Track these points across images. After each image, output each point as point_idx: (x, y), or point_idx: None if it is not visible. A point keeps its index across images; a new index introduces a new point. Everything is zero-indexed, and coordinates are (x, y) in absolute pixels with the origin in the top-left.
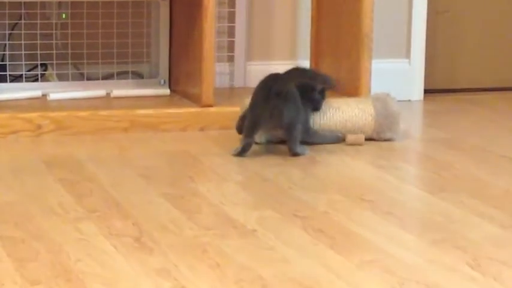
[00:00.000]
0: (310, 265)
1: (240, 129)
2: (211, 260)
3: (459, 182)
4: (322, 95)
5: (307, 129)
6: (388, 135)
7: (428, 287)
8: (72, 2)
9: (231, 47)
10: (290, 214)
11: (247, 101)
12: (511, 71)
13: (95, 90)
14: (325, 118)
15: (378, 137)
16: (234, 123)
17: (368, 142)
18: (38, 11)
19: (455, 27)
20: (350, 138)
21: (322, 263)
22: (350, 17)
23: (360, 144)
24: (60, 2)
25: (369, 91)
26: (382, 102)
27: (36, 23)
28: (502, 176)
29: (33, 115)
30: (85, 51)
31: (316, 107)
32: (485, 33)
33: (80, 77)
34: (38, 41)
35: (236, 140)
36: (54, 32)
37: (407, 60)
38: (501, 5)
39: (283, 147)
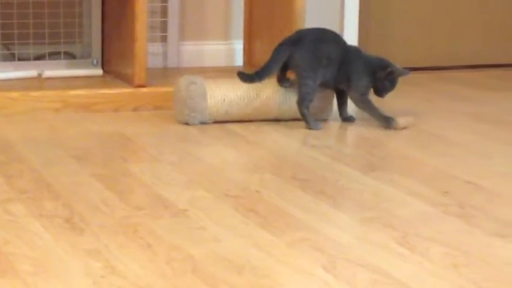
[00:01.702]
0: (241, 244)
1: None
2: (142, 240)
3: (391, 161)
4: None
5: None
6: (320, 116)
7: (357, 264)
8: None
9: (164, 27)
10: (222, 194)
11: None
12: (445, 50)
13: (26, 71)
14: (259, 101)
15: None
16: (167, 103)
17: (300, 122)
18: None
19: (388, 7)
20: (401, 122)
21: (253, 242)
22: None
23: (409, 126)
24: None
25: None
26: None
27: None
28: (433, 154)
29: None
30: (16, 31)
31: (381, 92)
32: (418, 13)
33: (11, 57)
34: None
35: (169, 121)
36: None
37: None
38: None
39: (218, 128)
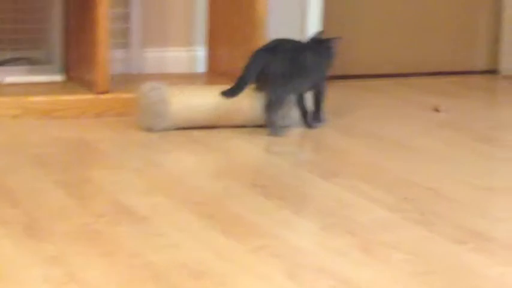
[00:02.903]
0: (202, 250)
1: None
2: (103, 247)
3: (351, 167)
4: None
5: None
6: (281, 124)
7: (318, 271)
8: None
9: (126, 33)
10: (183, 200)
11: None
12: (406, 57)
13: None
14: (221, 109)
15: None
16: (129, 110)
17: (262, 128)
18: None
19: (350, 14)
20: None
21: (213, 249)
22: (245, 2)
23: None
24: None
25: None
26: None
27: None
28: (393, 160)
29: None
30: None
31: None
32: (380, 19)
33: None
34: None
35: (132, 127)
36: None
37: None
38: None
39: (181, 134)
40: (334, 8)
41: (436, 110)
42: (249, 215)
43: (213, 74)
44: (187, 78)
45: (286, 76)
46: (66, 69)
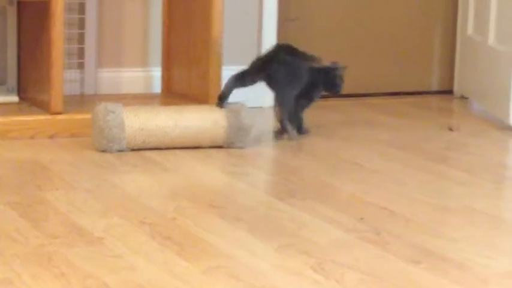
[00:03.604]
0: (157, 272)
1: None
2: (57, 268)
3: (308, 187)
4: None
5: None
6: (238, 145)
7: None
8: None
9: (81, 53)
10: (138, 221)
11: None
12: (361, 77)
13: None
14: (177, 131)
15: (228, 146)
16: (84, 130)
17: (218, 149)
18: None
19: (304, 35)
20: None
21: (168, 270)
22: (200, 23)
23: None
24: None
25: None
26: (235, 115)
27: None
28: (349, 180)
29: None
30: None
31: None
32: (333, 40)
33: None
34: None
35: (86, 148)
36: None
37: None
38: (348, 12)
39: (136, 155)
40: (289, 30)
41: (450, 129)
42: (204, 235)
43: (168, 95)
44: (143, 99)
45: (287, 82)
46: (21, 90)
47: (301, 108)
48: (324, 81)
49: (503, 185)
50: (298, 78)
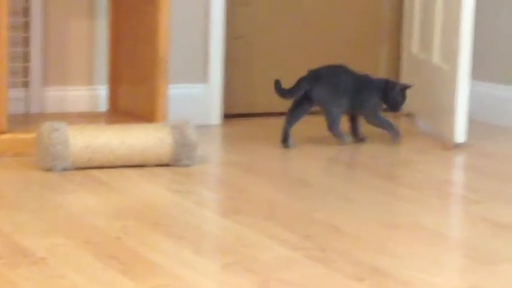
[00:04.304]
0: None
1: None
2: None
3: (253, 205)
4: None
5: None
6: (184, 162)
7: None
8: None
9: (26, 72)
10: (82, 241)
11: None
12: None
13: None
14: (123, 148)
15: (174, 164)
16: (28, 150)
17: (164, 167)
18: None
19: (250, 52)
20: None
21: None
22: (146, 41)
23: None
24: None
25: (166, 116)
26: (180, 131)
27: None
28: (295, 198)
29: None
30: None
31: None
32: (279, 58)
33: None
34: None
35: (30, 167)
36: None
37: (205, 85)
38: (295, 30)
39: (81, 174)
40: (235, 48)
41: None
42: (149, 254)
43: (114, 113)
44: (89, 117)
45: (331, 97)
46: None
47: (357, 117)
48: (384, 96)
49: (448, 202)
50: (340, 91)
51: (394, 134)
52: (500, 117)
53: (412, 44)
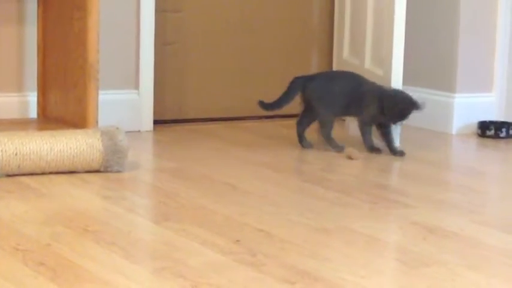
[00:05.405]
0: None
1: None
2: None
3: (183, 211)
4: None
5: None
6: (115, 168)
7: None
8: None
9: None
10: (11, 248)
11: None
12: (234, 101)
13: None
14: (52, 154)
15: (105, 170)
16: None
17: (95, 173)
18: None
19: (182, 59)
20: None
21: None
22: (76, 48)
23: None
24: None
25: (96, 122)
26: (111, 137)
27: None
28: (225, 203)
29: None
30: None
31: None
32: (209, 64)
33: None
34: None
35: None
36: None
37: (136, 91)
38: (225, 36)
39: (10, 181)
40: (166, 54)
41: (349, 157)
42: (79, 260)
43: (45, 119)
44: (19, 124)
45: (323, 99)
46: None
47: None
48: (389, 110)
49: (378, 206)
50: (333, 99)
51: (367, 148)
52: (432, 123)
53: (343, 50)
